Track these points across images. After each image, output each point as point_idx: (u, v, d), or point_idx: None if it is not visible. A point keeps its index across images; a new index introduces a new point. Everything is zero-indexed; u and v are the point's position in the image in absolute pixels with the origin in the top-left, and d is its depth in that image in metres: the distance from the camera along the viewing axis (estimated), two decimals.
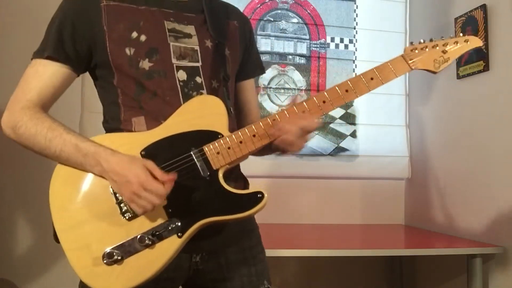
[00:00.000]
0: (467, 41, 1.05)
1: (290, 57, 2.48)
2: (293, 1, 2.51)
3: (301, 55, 2.49)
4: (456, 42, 1.05)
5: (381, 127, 2.53)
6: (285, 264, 2.44)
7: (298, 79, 2.48)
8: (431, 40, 1.06)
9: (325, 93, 1.00)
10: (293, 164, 2.41)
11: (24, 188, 2.15)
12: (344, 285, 2.52)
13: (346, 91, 1.00)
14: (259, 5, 2.45)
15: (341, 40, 2.54)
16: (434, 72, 1.05)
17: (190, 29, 1.03)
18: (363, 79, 1.00)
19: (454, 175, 2.17)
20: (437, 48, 1.04)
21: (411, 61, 1.03)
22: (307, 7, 2.52)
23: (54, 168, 0.95)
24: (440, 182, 2.26)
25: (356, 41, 2.55)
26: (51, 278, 2.18)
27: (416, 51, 1.04)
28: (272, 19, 2.47)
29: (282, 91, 2.45)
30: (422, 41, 1.06)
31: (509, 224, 1.78)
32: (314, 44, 2.51)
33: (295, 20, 2.51)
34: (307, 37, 2.51)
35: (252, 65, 1.20)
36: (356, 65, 2.54)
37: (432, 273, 2.31)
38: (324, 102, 0.99)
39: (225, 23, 1.10)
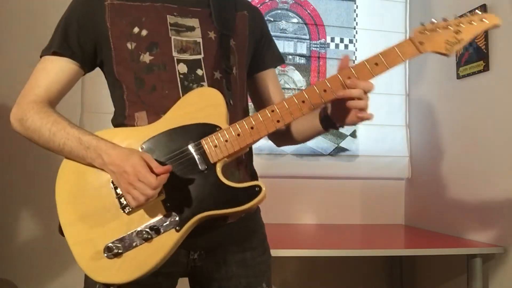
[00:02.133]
0: (484, 19, 0.95)
1: (290, 57, 2.48)
2: (293, 1, 2.51)
3: (301, 55, 2.49)
4: (471, 21, 0.94)
5: (381, 127, 2.53)
6: (285, 264, 2.44)
7: (298, 79, 2.48)
8: (444, 20, 0.95)
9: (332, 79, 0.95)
10: (293, 164, 2.41)
11: (24, 188, 2.15)
12: (344, 285, 2.52)
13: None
14: (259, 5, 2.45)
15: (341, 40, 2.54)
16: (446, 55, 0.95)
17: (194, 22, 1.03)
18: (367, 66, 0.94)
19: (454, 175, 2.17)
20: (450, 28, 0.94)
21: (420, 43, 0.94)
22: (307, 7, 2.52)
23: (55, 166, 0.96)
24: (440, 182, 2.26)
25: (356, 41, 2.55)
26: (51, 278, 2.18)
27: (427, 33, 0.95)
28: (272, 19, 2.47)
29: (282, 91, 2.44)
30: (434, 20, 0.95)
31: (509, 224, 1.78)
32: (314, 44, 2.51)
33: (295, 20, 2.51)
34: (307, 37, 2.51)
35: (269, 55, 1.19)
36: None
37: (432, 273, 2.31)
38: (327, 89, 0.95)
39: (232, 14, 1.10)
